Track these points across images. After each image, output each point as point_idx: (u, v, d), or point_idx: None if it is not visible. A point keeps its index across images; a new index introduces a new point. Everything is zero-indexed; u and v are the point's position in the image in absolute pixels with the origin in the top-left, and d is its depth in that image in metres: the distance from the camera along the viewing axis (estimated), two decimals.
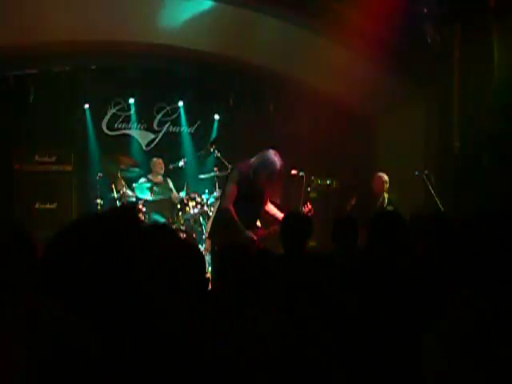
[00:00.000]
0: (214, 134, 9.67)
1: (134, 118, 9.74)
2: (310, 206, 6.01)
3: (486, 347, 1.50)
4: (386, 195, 7.52)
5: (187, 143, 9.87)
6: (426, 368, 1.52)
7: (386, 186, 7.53)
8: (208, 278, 2.46)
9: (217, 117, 9.98)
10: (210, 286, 3.48)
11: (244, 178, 5.61)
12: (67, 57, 8.71)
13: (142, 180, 8.53)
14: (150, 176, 8.68)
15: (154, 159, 8.86)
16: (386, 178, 7.58)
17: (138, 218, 3.40)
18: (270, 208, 5.92)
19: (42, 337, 1.28)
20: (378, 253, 3.45)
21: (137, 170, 8.45)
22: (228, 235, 5.38)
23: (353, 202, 7.59)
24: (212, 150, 7.94)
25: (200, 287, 2.40)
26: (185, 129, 9.97)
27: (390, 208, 7.36)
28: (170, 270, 2.30)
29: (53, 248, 1.63)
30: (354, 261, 3.52)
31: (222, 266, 3.44)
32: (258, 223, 6.21)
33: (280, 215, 5.69)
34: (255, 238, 5.52)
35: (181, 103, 9.82)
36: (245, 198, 5.61)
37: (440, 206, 6.73)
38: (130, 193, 8.15)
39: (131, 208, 4.36)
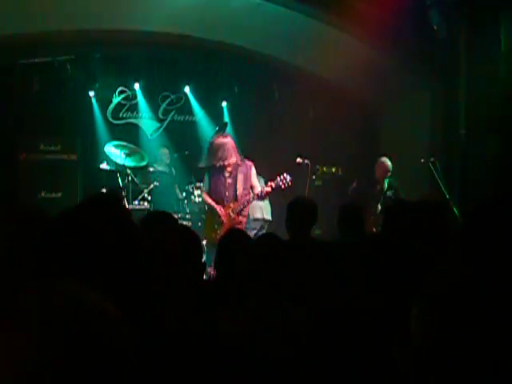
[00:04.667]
0: (225, 120, 9.63)
1: (139, 106, 9.74)
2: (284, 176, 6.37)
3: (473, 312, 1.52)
4: (385, 180, 7.50)
5: (192, 132, 9.85)
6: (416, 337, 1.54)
7: (388, 173, 7.47)
8: (204, 263, 2.47)
9: (224, 103, 9.97)
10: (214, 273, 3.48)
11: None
12: (72, 45, 8.70)
13: (150, 169, 8.54)
14: (155, 165, 8.68)
15: (162, 149, 8.88)
16: (389, 165, 7.49)
17: (121, 204, 3.40)
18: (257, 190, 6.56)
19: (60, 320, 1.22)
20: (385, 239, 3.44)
21: (142, 158, 8.44)
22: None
23: (354, 185, 7.59)
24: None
25: (197, 271, 2.40)
26: (190, 117, 9.97)
27: (389, 192, 7.35)
28: (165, 252, 2.30)
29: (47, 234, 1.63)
30: (360, 246, 3.51)
31: (224, 254, 3.44)
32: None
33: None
34: (222, 210, 6.57)
35: (187, 89, 9.80)
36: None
37: (446, 193, 6.72)
38: (136, 181, 8.16)
39: (113, 195, 4.37)
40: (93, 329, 1.19)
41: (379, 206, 7.23)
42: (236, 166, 6.67)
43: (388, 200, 7.27)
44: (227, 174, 6.68)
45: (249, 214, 6.96)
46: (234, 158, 6.61)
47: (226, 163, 6.62)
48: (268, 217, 8.17)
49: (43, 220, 1.95)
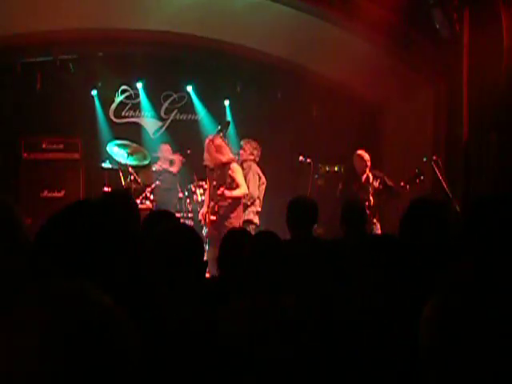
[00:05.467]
0: (228, 119, 9.60)
1: (141, 105, 9.75)
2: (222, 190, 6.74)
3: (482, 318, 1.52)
4: (368, 172, 7.49)
5: (195, 131, 9.85)
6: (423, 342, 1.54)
7: (367, 163, 7.49)
8: (206, 261, 2.47)
9: (227, 102, 9.96)
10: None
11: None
12: (74, 44, 8.71)
13: (152, 168, 8.55)
14: (158, 163, 8.69)
15: (162, 145, 8.88)
16: (366, 156, 7.53)
17: (132, 201, 3.41)
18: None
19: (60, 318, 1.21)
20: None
21: (145, 157, 8.45)
22: None
23: (340, 186, 7.60)
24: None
25: (198, 271, 2.40)
26: (192, 116, 9.97)
27: (376, 183, 7.37)
28: (167, 250, 2.30)
29: (46, 233, 1.62)
30: (362, 245, 3.50)
31: (225, 254, 3.44)
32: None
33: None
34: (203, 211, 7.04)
35: (189, 88, 9.79)
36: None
37: (448, 192, 6.70)
38: (138, 180, 8.16)
39: (124, 193, 4.38)
40: (93, 329, 1.18)
41: (371, 198, 7.26)
42: (222, 165, 6.86)
43: (378, 190, 7.31)
44: (214, 174, 6.95)
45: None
46: (219, 159, 6.87)
47: (208, 164, 6.97)
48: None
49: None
